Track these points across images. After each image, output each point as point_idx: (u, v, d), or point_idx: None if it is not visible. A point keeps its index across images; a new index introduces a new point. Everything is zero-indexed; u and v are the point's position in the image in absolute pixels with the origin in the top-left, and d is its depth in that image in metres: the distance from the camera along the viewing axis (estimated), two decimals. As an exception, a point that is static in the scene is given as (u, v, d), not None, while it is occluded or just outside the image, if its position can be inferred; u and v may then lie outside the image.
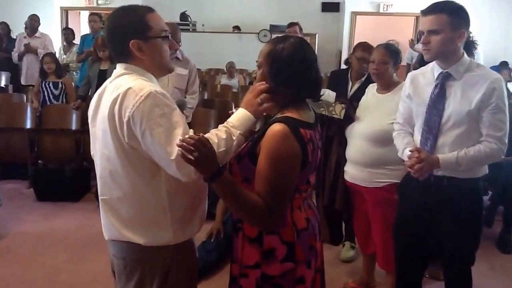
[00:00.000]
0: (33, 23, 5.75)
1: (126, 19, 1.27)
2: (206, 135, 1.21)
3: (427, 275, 2.57)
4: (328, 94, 2.38)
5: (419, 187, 1.81)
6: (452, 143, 1.73)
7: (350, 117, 2.27)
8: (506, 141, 1.72)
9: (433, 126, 1.76)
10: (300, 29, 3.73)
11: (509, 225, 3.24)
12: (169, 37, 1.32)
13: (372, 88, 2.33)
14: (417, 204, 1.86)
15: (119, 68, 1.31)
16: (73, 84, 5.83)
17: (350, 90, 2.65)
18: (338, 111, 2.25)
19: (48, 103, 4.55)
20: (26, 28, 6.18)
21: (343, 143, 2.34)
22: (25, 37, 5.75)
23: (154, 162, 1.24)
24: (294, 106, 1.29)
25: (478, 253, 1.88)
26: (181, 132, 1.19)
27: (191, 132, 1.23)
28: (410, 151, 1.77)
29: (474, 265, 1.89)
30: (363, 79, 2.64)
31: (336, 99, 2.36)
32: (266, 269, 1.28)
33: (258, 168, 1.22)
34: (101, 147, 1.29)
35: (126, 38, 1.25)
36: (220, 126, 1.29)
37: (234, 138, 1.26)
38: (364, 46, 2.57)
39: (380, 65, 2.17)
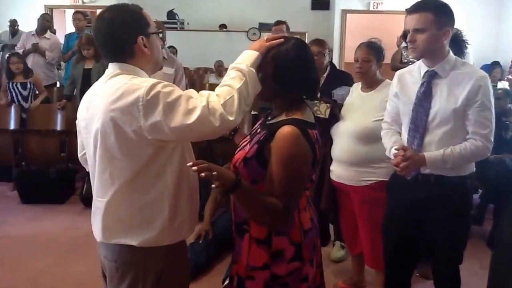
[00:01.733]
0: (45, 23, 5.40)
1: (128, 17, 1.27)
2: (217, 90, 1.24)
3: (417, 274, 2.58)
4: None
5: (407, 186, 1.81)
6: (439, 141, 1.73)
7: (335, 116, 2.27)
8: (492, 138, 1.72)
9: (419, 124, 1.76)
10: (287, 28, 3.70)
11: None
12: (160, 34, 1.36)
13: (356, 87, 2.34)
14: (405, 203, 1.86)
15: (113, 67, 1.29)
16: (58, 83, 5.71)
17: None
18: (323, 110, 2.26)
19: (17, 104, 4.44)
20: (9, 27, 6.03)
21: (329, 142, 2.33)
22: (33, 35, 5.40)
23: (161, 163, 1.25)
24: (297, 108, 1.30)
25: (469, 251, 1.88)
26: (195, 95, 1.22)
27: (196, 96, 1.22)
28: (396, 149, 1.77)
29: (465, 264, 1.90)
30: (325, 75, 2.74)
31: (320, 98, 2.36)
32: (275, 269, 1.29)
33: (271, 172, 1.23)
34: (100, 149, 1.26)
35: (132, 35, 1.26)
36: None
37: (244, 70, 1.26)
38: (311, 41, 2.78)
39: (363, 63, 2.18)
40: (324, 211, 2.48)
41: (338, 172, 2.27)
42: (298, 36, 1.46)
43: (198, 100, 1.20)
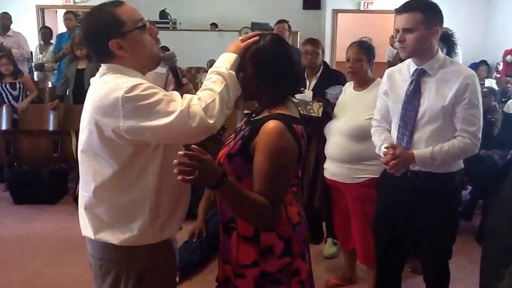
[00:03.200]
0: (4, 21, 5.46)
1: (97, 21, 1.25)
2: (199, 93, 1.23)
3: (408, 269, 2.61)
4: (305, 93, 2.40)
5: (397, 182, 1.83)
6: (428, 139, 1.76)
7: (328, 115, 2.29)
8: (480, 136, 1.75)
9: (408, 122, 1.78)
10: (289, 27, 3.73)
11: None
12: (147, 25, 1.28)
13: (349, 86, 2.36)
14: (395, 199, 1.88)
15: (103, 68, 1.30)
16: (50, 83, 5.68)
17: (309, 87, 2.72)
18: (316, 109, 2.28)
19: (8, 104, 4.39)
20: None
21: (322, 141, 2.36)
22: None
23: (143, 162, 1.24)
24: (282, 103, 1.29)
25: (458, 246, 1.90)
26: (178, 98, 1.20)
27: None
28: (385, 147, 1.79)
29: (454, 258, 1.92)
30: (318, 74, 2.75)
31: (313, 97, 2.39)
32: (265, 266, 1.28)
33: (257, 167, 1.22)
34: (85, 146, 1.28)
35: (103, 40, 1.23)
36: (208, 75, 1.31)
37: (224, 73, 1.25)
38: (305, 40, 2.84)
39: (354, 62, 2.20)
40: (317, 209, 2.51)
41: (331, 169, 2.29)
42: (290, 36, 1.47)
43: (179, 103, 1.19)
